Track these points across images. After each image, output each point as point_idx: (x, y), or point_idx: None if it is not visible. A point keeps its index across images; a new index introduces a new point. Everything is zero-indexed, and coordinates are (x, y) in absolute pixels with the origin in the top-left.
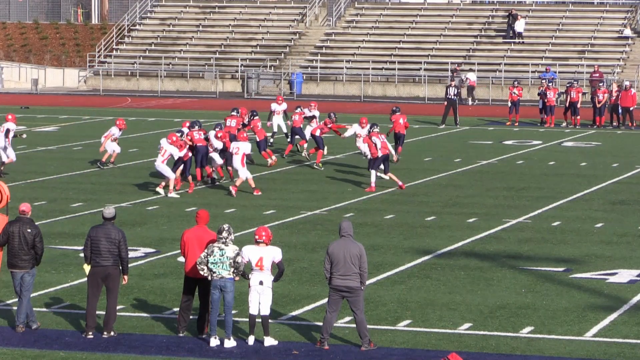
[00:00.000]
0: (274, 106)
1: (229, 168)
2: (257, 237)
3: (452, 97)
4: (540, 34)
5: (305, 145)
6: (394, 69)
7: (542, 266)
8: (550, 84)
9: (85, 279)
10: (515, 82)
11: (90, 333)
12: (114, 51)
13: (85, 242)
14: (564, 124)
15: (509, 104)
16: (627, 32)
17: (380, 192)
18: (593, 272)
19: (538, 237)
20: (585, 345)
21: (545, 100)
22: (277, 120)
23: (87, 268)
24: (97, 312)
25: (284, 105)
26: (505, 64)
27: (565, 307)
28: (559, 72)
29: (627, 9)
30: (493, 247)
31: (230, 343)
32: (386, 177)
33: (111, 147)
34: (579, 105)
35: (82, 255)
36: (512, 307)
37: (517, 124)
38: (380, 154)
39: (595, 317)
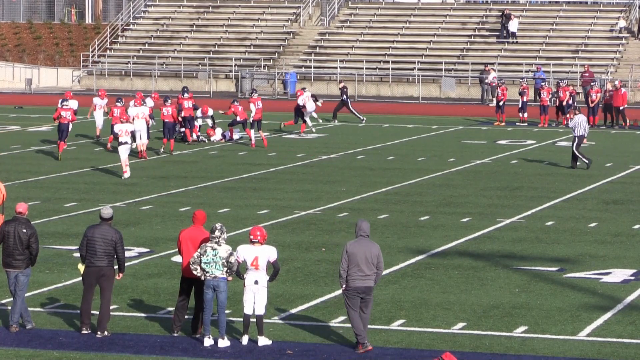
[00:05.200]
0: (96, 100)
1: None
2: (252, 236)
3: (344, 95)
4: (534, 33)
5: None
6: (388, 69)
7: (536, 266)
8: (543, 84)
9: (80, 278)
10: (500, 83)
11: (84, 328)
12: (108, 51)
13: (81, 242)
14: (554, 124)
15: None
16: (622, 23)
17: (374, 192)
18: (587, 271)
19: (532, 237)
20: (579, 344)
21: (539, 99)
22: (98, 115)
23: (81, 268)
24: (92, 312)
25: (105, 100)
26: (499, 64)
27: (559, 307)
28: (553, 72)
29: (620, 9)
30: (487, 246)
31: (224, 343)
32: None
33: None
34: (564, 104)
35: (77, 255)
36: (505, 307)
37: (503, 123)
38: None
39: (589, 317)
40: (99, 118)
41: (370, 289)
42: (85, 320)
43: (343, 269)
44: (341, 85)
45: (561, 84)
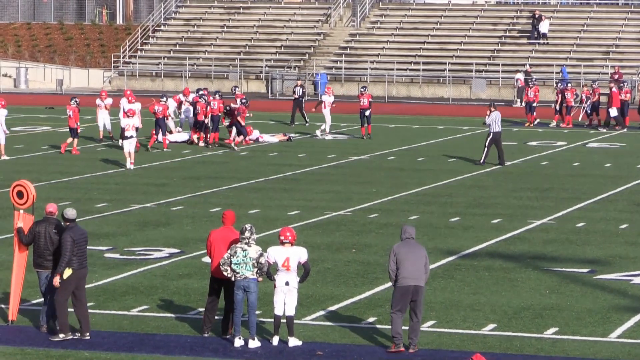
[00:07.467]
0: (98, 101)
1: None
2: (282, 237)
3: (298, 97)
4: (565, 34)
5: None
6: (419, 70)
7: (567, 267)
8: (568, 85)
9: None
10: (531, 83)
11: (69, 334)
12: (139, 52)
13: (67, 247)
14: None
15: (524, 104)
16: None
17: (405, 193)
18: (617, 273)
19: (562, 238)
20: (610, 346)
21: (564, 101)
22: (103, 116)
23: (68, 273)
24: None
25: (109, 100)
26: (529, 65)
27: (589, 308)
28: (584, 73)
29: None
30: (517, 247)
31: (254, 343)
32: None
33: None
34: (569, 105)
35: (109, 255)
36: (536, 308)
37: (531, 125)
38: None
39: (619, 318)
40: (106, 119)
41: (421, 289)
42: (66, 328)
43: (392, 270)
44: (299, 83)
45: (593, 85)
